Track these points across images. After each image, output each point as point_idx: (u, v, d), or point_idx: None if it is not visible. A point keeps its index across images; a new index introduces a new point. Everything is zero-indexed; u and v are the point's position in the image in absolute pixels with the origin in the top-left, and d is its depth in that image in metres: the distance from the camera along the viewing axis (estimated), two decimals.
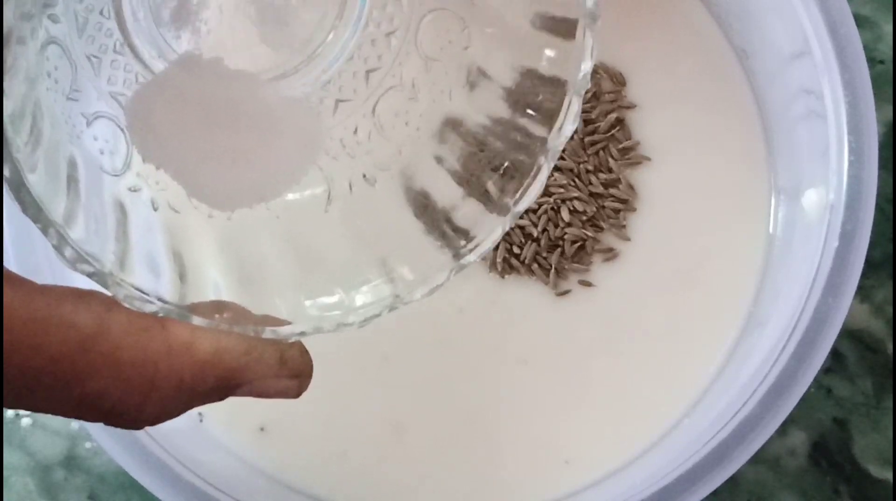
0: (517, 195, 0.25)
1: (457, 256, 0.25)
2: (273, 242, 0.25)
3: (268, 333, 0.23)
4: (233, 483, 0.35)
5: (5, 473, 0.41)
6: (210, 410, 0.39)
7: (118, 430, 0.34)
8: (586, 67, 0.24)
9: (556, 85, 0.25)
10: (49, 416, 0.42)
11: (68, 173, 0.22)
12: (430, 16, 0.25)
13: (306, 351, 0.24)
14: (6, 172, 0.20)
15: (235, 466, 0.38)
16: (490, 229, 0.25)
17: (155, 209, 0.24)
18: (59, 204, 0.21)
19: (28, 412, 0.42)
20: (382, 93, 0.25)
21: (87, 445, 0.42)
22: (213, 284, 0.24)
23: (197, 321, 0.22)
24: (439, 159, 0.26)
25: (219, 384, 0.22)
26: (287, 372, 0.23)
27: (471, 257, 0.25)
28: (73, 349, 0.19)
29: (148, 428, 0.34)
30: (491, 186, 0.25)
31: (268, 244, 0.25)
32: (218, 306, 0.23)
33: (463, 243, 0.25)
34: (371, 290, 0.25)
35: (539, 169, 0.25)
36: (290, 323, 0.23)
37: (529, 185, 0.25)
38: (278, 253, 0.25)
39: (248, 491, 0.35)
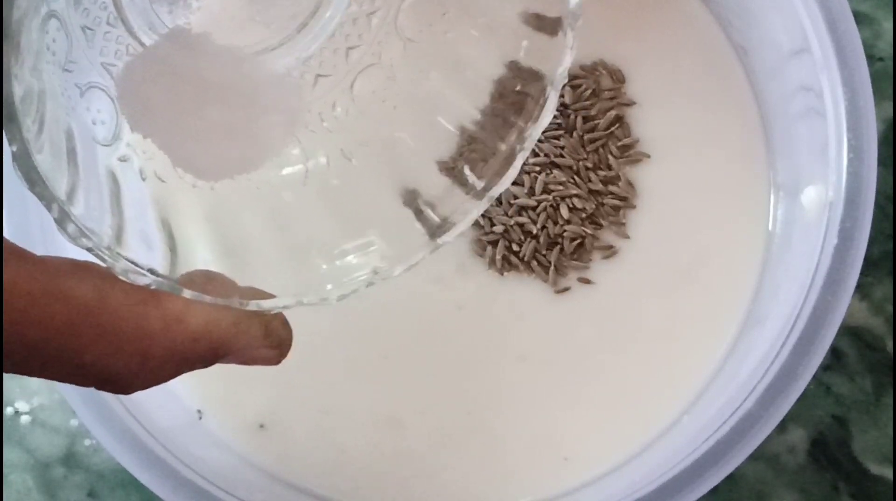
0: (493, 180, 0.25)
1: (433, 235, 0.26)
2: (255, 213, 0.26)
3: (252, 305, 0.23)
4: (232, 479, 0.35)
5: (5, 470, 0.42)
6: (209, 408, 0.39)
7: (117, 427, 0.34)
8: (565, 63, 0.24)
9: (536, 77, 0.25)
10: (49, 414, 0.42)
11: (67, 146, 0.23)
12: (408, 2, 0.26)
13: (287, 323, 0.25)
14: (14, 148, 0.20)
15: (235, 463, 0.38)
16: (465, 212, 0.26)
17: (143, 179, 0.24)
18: (62, 180, 0.22)
19: (27, 410, 0.42)
20: (361, 70, 0.26)
21: (87, 442, 0.42)
22: (202, 255, 0.25)
23: (186, 294, 0.22)
24: (418, 140, 0.26)
25: (207, 354, 0.23)
26: (270, 343, 0.24)
27: (446, 238, 0.26)
28: (75, 321, 0.20)
29: (147, 426, 0.34)
30: (467, 170, 0.26)
31: (250, 215, 0.26)
32: (206, 276, 0.23)
33: (438, 222, 0.26)
34: (350, 265, 0.26)
35: (514, 157, 0.25)
36: (273, 297, 0.24)
37: (504, 171, 0.25)
38: (260, 225, 0.26)
39: (248, 488, 0.35)
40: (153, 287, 0.22)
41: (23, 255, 0.20)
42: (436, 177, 0.26)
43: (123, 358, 0.21)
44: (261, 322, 0.24)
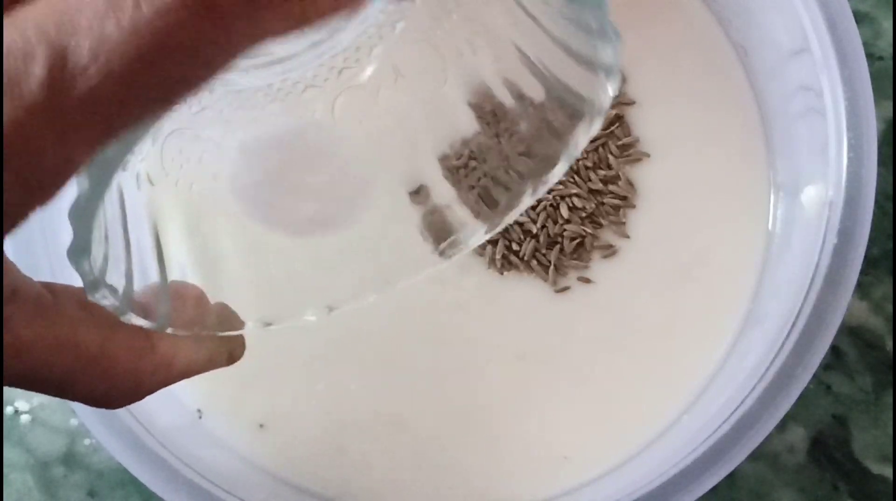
0: (447, 245, 0.27)
1: (387, 282, 0.27)
2: (229, 226, 0.27)
3: (225, 333, 0.26)
4: (232, 479, 0.35)
5: (5, 470, 0.42)
6: (209, 407, 0.39)
7: (117, 427, 0.34)
8: (561, 168, 0.26)
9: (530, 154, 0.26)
10: (48, 413, 0.42)
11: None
12: (413, 46, 0.27)
13: (244, 342, 0.28)
14: (76, 241, 0.21)
15: (234, 462, 0.38)
16: (419, 268, 0.27)
17: (138, 188, 0.25)
18: (101, 251, 0.23)
19: (27, 410, 0.42)
20: (346, 88, 0.27)
21: (87, 442, 0.42)
22: (180, 262, 0.26)
23: (169, 330, 0.25)
24: (387, 170, 0.28)
25: (182, 380, 0.26)
26: (229, 362, 0.27)
27: (402, 282, 0.27)
28: (78, 367, 0.22)
29: (147, 425, 0.34)
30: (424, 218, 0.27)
31: (226, 230, 0.27)
32: (178, 294, 0.26)
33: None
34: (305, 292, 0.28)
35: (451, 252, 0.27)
36: (242, 324, 0.26)
37: (464, 242, 0.27)
38: (234, 237, 0.27)
39: (247, 488, 0.35)
40: (145, 326, 0.24)
41: (41, 303, 0.22)
42: (407, 207, 0.27)
43: (115, 393, 0.24)
44: (227, 351, 0.27)
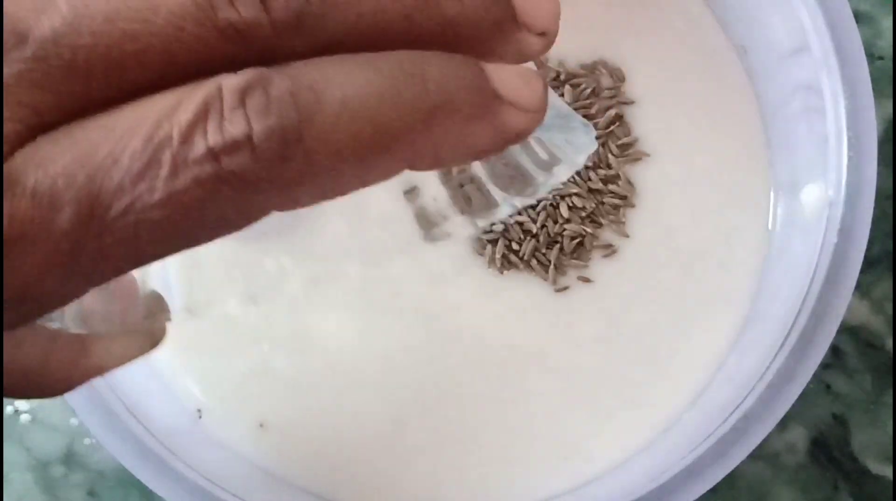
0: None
1: None
2: None
3: (156, 325, 0.26)
4: (232, 479, 0.35)
5: (5, 469, 0.42)
6: (209, 407, 0.39)
7: (117, 427, 0.34)
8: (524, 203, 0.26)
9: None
10: (48, 413, 0.42)
11: None
12: None
13: (165, 327, 0.28)
14: None
15: (234, 462, 0.38)
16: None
17: None
18: None
19: (27, 409, 0.42)
20: None
21: (87, 441, 0.42)
22: None
23: (104, 329, 0.25)
24: None
25: None
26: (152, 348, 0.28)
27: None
28: (14, 383, 0.22)
29: (147, 425, 0.34)
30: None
31: None
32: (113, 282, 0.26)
33: None
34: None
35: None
36: (170, 316, 0.26)
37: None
38: None
39: (248, 487, 0.35)
40: (84, 332, 0.24)
41: None
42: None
43: (46, 395, 0.24)
44: (153, 342, 0.27)
